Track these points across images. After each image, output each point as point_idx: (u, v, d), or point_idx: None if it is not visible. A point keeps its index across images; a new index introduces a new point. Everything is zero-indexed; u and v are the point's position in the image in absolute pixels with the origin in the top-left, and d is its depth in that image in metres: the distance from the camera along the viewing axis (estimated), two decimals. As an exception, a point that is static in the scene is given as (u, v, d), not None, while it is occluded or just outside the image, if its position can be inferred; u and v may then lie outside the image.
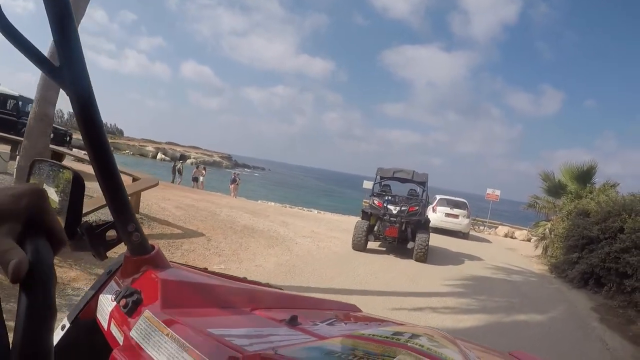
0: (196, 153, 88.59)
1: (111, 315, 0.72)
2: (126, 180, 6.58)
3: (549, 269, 10.24)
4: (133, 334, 0.64)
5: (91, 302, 0.79)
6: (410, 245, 8.93)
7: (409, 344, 0.71)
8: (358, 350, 0.66)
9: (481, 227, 18.18)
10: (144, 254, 0.75)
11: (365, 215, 9.51)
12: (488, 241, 15.69)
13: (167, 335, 0.61)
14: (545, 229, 12.34)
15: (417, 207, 9.33)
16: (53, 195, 0.67)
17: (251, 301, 0.85)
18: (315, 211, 18.30)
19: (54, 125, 12.72)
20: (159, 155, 72.59)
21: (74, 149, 15.88)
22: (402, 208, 9.20)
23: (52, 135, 11.47)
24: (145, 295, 0.70)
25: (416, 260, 8.56)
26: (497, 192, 18.74)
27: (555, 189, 13.01)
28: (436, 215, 14.56)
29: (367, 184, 13.86)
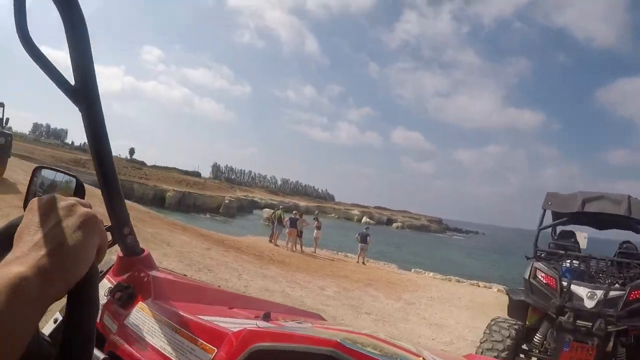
0: (403, 217, 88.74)
1: (105, 308, 0.83)
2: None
3: None
4: (128, 322, 0.78)
5: None
6: None
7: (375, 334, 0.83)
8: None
9: None
10: (135, 255, 0.90)
11: (515, 306, 4.35)
12: None
13: (160, 321, 0.74)
14: None
15: None
16: None
17: (229, 302, 1.02)
18: (496, 288, 13.30)
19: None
20: (364, 219, 75.63)
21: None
22: (611, 294, 3.73)
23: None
24: (137, 290, 0.83)
25: None
26: None
27: None
28: None
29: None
